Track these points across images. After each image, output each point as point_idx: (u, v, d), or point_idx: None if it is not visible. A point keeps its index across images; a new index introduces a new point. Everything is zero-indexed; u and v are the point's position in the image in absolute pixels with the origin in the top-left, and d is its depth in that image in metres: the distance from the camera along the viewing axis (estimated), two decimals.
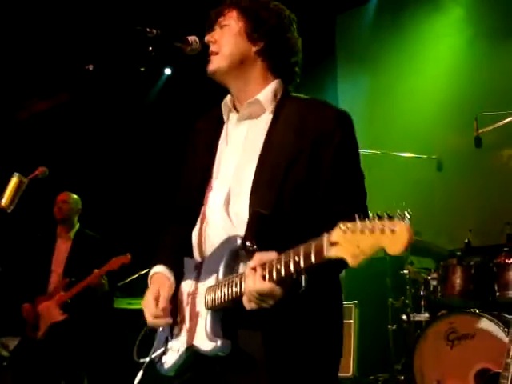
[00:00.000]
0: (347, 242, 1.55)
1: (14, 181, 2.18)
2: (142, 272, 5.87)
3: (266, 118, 2.16)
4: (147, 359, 2.18)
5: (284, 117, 2.12)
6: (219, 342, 1.94)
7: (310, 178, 2.03)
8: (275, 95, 2.18)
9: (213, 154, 2.24)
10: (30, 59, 6.45)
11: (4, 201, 2.14)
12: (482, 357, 4.11)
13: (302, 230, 1.83)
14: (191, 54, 2.30)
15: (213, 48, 2.19)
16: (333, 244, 1.59)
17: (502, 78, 6.14)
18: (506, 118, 4.47)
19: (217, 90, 2.33)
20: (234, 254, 2.01)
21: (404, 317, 4.87)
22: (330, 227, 1.63)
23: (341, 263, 1.59)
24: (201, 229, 2.18)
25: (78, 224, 5.67)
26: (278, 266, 1.76)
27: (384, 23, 7.26)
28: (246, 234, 1.99)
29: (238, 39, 2.17)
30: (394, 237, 1.48)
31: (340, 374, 4.54)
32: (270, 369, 1.94)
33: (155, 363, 2.19)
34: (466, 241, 4.69)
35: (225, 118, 2.27)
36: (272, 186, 2.02)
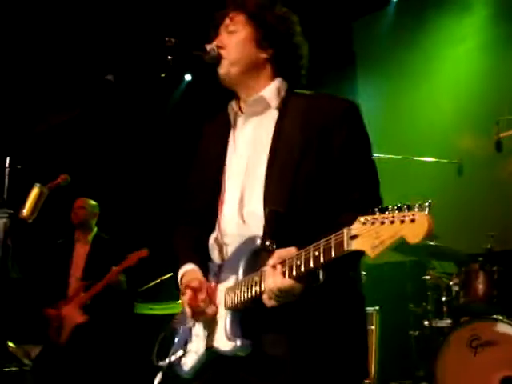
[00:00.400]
0: (367, 235, 1.57)
1: (34, 191, 2.20)
2: (163, 278, 5.89)
3: (272, 113, 2.18)
4: (166, 361, 2.19)
5: (290, 112, 2.13)
6: (238, 342, 1.95)
7: (322, 170, 2.03)
8: (279, 91, 2.20)
9: (222, 156, 2.26)
10: (48, 72, 6.52)
11: (25, 211, 2.16)
12: (505, 364, 4.06)
13: (319, 223, 1.86)
14: (210, 62, 2.31)
15: (222, 53, 2.21)
16: (353, 237, 1.60)
17: None
18: None
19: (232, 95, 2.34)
20: (254, 255, 2.02)
21: (426, 323, 4.82)
22: (348, 218, 1.65)
23: (357, 254, 1.61)
24: (218, 231, 2.19)
25: (96, 228, 5.76)
26: (298, 262, 1.78)
27: (402, 27, 7.23)
28: (264, 234, 2.00)
29: (248, 46, 2.19)
30: (413, 226, 1.49)
31: None
32: (296, 374, 1.94)
33: (174, 366, 2.20)
34: (488, 246, 4.63)
35: (232, 120, 2.29)
36: (284, 182, 2.03)
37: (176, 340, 2.24)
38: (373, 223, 1.56)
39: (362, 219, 1.59)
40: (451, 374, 4.27)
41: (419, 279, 4.99)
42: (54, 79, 6.08)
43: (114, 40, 6.49)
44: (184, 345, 2.20)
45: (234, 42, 2.20)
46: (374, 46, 7.44)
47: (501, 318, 4.22)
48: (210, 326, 2.09)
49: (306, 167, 2.03)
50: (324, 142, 2.04)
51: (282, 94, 2.19)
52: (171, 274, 5.18)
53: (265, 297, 1.88)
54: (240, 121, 2.27)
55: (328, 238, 1.69)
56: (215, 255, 2.21)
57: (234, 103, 2.29)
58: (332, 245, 1.68)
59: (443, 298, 4.84)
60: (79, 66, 6.27)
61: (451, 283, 4.75)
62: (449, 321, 4.73)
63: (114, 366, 5.37)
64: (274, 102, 2.18)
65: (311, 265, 1.74)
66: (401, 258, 5.96)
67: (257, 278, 1.92)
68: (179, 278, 2.22)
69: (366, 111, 2.17)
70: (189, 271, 2.19)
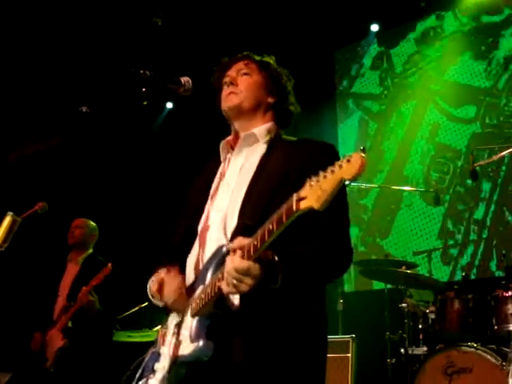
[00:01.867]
0: (312, 192, 1.67)
1: (7, 220, 2.24)
2: (142, 305, 5.87)
3: (260, 148, 2.38)
4: None
5: (276, 149, 2.33)
6: (201, 342, 2.00)
7: None
8: (269, 131, 2.41)
9: (207, 190, 2.42)
10: (23, 102, 6.54)
11: None
12: None
13: (285, 239, 1.89)
14: (184, 94, 2.38)
15: (233, 89, 2.41)
16: (301, 199, 1.70)
17: None
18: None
19: (219, 124, 2.54)
20: (221, 261, 2.07)
21: (402, 350, 4.84)
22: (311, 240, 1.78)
23: (319, 270, 1.80)
24: (198, 254, 2.27)
25: (92, 250, 5.65)
26: (255, 242, 1.86)
27: (382, 57, 7.39)
28: (230, 240, 2.09)
29: (258, 89, 2.45)
30: (349, 165, 1.61)
31: None
32: (249, 380, 2.01)
33: None
34: (464, 274, 4.70)
35: (222, 157, 2.48)
36: (259, 202, 2.16)
37: (144, 363, 2.28)
38: (317, 181, 1.67)
39: (309, 180, 1.70)
40: None
41: (396, 307, 5.02)
42: (29, 109, 6.11)
43: (90, 71, 6.54)
44: (152, 368, 2.22)
45: (248, 82, 2.44)
46: (355, 74, 7.59)
47: (475, 345, 4.26)
48: (176, 339, 2.13)
49: (282, 192, 2.11)
50: (302, 173, 2.11)
51: (272, 135, 2.41)
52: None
53: (223, 284, 1.93)
54: (232, 155, 2.44)
55: (280, 208, 1.79)
56: (191, 275, 2.27)
57: (225, 142, 2.47)
58: (283, 211, 1.77)
59: (420, 326, 4.87)
60: (54, 97, 6.31)
61: (427, 311, 4.78)
62: (425, 348, 4.75)
63: None
64: (263, 138, 2.39)
65: (266, 237, 1.82)
66: (379, 286, 6.02)
67: (220, 275, 1.98)
68: (149, 281, 2.33)
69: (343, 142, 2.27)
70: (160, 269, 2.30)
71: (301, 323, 2.11)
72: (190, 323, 2.08)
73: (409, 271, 5.05)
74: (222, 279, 1.94)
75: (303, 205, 1.69)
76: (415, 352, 4.79)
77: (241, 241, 1.93)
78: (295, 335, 2.08)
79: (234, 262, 1.88)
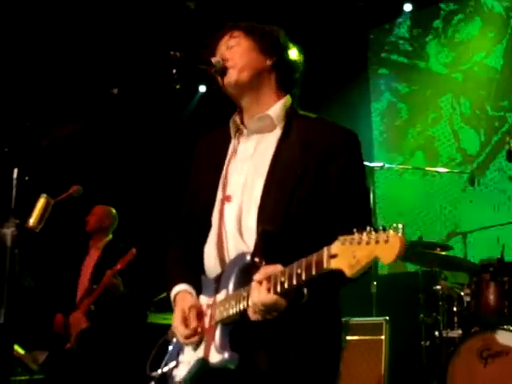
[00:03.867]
0: (345, 254, 1.65)
1: (41, 202, 2.27)
2: None
3: (276, 133, 2.23)
4: (159, 372, 2.23)
5: (293, 134, 2.19)
6: (226, 355, 2.01)
7: (316, 196, 2.10)
8: (285, 112, 2.25)
9: (220, 169, 2.29)
10: (54, 84, 6.62)
11: (32, 221, 2.23)
12: None
13: (309, 245, 1.87)
14: (216, 75, 2.35)
15: (227, 64, 2.25)
16: (332, 256, 1.68)
17: None
18: None
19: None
20: (244, 270, 2.07)
21: (436, 333, 4.81)
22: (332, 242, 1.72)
23: (341, 277, 1.67)
24: (216, 244, 2.22)
25: (111, 236, 5.77)
26: (282, 279, 1.85)
27: (417, 37, 7.29)
28: (254, 250, 2.06)
29: (252, 54, 2.26)
30: (387, 246, 1.57)
31: None
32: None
33: (167, 377, 2.24)
34: (499, 256, 4.63)
35: (232, 134, 2.32)
36: (279, 204, 2.09)
37: (169, 351, 2.28)
38: (351, 243, 1.63)
39: (341, 239, 1.66)
40: None
41: (431, 289, 4.98)
42: (61, 93, 6.18)
43: (120, 53, 6.58)
44: (176, 356, 2.23)
45: (238, 52, 2.26)
46: (389, 53, 7.50)
47: (511, 328, 4.20)
48: (205, 338, 2.12)
49: (301, 191, 2.09)
50: (321, 167, 2.11)
51: (288, 113, 2.24)
52: None
53: (250, 311, 1.95)
54: (242, 135, 2.30)
55: (310, 256, 1.77)
56: (210, 268, 2.24)
57: (237, 117, 2.32)
58: (313, 263, 1.75)
59: (454, 309, 4.84)
60: (85, 80, 6.37)
61: (462, 293, 4.75)
62: (459, 331, 4.72)
63: (119, 372, 5.41)
64: (280, 122, 2.23)
65: (294, 282, 1.81)
66: (413, 268, 5.98)
67: (244, 294, 1.99)
68: (172, 296, 2.28)
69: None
70: (182, 292, 2.24)
71: (321, 329, 2.12)
72: (215, 327, 2.08)
73: (443, 253, 5.01)
74: (247, 305, 1.95)
75: (334, 264, 1.68)
76: (450, 335, 4.76)
77: (266, 271, 1.92)
78: (316, 339, 2.09)
79: (260, 297, 1.89)
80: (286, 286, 1.84)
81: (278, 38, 2.31)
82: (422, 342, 4.96)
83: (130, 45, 6.71)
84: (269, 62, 2.27)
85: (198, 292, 2.24)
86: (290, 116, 2.24)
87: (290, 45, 2.34)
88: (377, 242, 1.59)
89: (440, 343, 4.76)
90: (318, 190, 2.09)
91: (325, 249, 1.71)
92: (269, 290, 1.87)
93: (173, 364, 2.23)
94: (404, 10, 7.25)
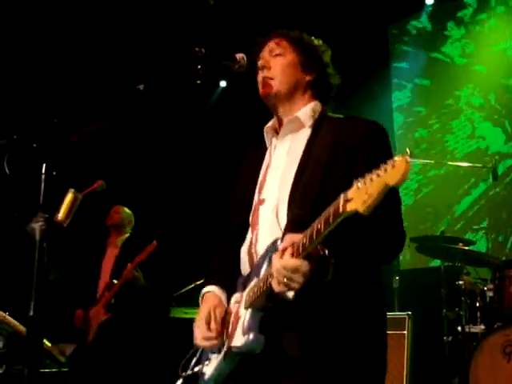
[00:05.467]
0: (359, 195, 1.65)
1: (69, 196, 2.30)
2: (198, 282, 5.96)
3: (306, 132, 2.31)
4: (189, 372, 2.26)
5: (321, 132, 2.25)
6: (252, 335, 2.02)
7: (345, 181, 2.05)
8: (313, 113, 2.33)
9: (256, 176, 2.38)
10: (81, 81, 6.69)
11: (60, 216, 2.26)
12: None
13: (338, 228, 1.86)
14: (239, 71, 2.36)
15: (267, 74, 2.34)
16: (348, 201, 1.68)
17: None
18: None
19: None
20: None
21: (459, 328, 4.79)
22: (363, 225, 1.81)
23: (365, 249, 1.81)
24: (251, 243, 2.26)
25: (129, 234, 5.89)
26: (304, 240, 1.85)
27: (438, 30, 7.24)
28: (283, 234, 2.08)
29: (294, 69, 2.34)
30: (394, 171, 1.58)
31: None
32: (310, 374, 1.99)
33: (197, 376, 2.27)
34: None
35: (267, 143, 2.43)
36: (309, 189, 2.13)
37: (201, 352, 2.31)
38: (365, 183, 1.64)
39: (358, 184, 1.67)
40: (484, 380, 4.24)
41: (453, 285, 4.96)
42: (88, 89, 6.24)
43: (145, 50, 6.63)
44: (208, 356, 2.27)
45: (282, 63, 2.34)
46: (410, 47, 7.46)
47: None
48: (231, 330, 2.15)
49: (331, 178, 2.12)
50: (349, 161, 2.14)
51: (316, 115, 2.32)
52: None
53: (274, 282, 1.92)
54: (278, 138, 2.38)
55: (328, 207, 1.77)
56: (246, 265, 2.27)
57: (270, 125, 2.41)
58: (331, 212, 1.75)
59: (477, 304, 4.81)
60: (111, 77, 6.43)
61: (485, 289, 4.72)
62: (482, 326, 4.70)
63: (141, 364, 5.47)
64: (308, 122, 2.31)
65: (314, 237, 1.81)
66: (435, 263, 5.96)
67: (271, 271, 1.97)
68: (201, 295, 2.33)
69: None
70: (210, 293, 2.28)
71: (358, 307, 2.08)
72: (244, 314, 2.10)
73: (466, 248, 4.98)
74: (272, 277, 1.94)
75: (349, 207, 1.67)
76: (472, 330, 4.73)
77: (291, 238, 1.93)
78: (353, 320, 2.06)
79: (281, 261, 1.88)
80: (307, 244, 1.84)
81: (321, 56, 2.38)
82: (445, 338, 4.94)
83: (153, 41, 6.75)
84: (308, 78, 2.35)
85: (233, 292, 2.27)
86: (319, 117, 2.32)
87: (329, 60, 2.41)
88: (385, 170, 1.60)
89: (462, 339, 4.74)
90: (347, 175, 2.09)
91: (341, 194, 1.72)
92: (292, 255, 1.88)
93: (205, 362, 2.26)
94: (425, 3, 7.22)
